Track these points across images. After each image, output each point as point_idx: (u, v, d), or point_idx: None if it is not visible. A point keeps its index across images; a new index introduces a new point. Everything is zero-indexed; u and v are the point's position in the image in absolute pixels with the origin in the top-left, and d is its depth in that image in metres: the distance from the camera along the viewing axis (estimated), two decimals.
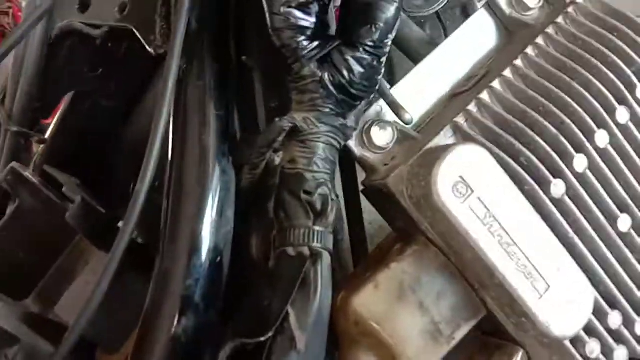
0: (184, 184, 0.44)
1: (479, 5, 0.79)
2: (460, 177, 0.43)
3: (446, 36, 0.78)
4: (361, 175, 0.56)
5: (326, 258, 0.42)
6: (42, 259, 0.60)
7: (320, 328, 0.41)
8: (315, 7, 0.43)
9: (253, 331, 0.39)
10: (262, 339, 0.38)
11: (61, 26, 0.60)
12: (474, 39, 0.57)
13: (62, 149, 0.67)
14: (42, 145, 0.67)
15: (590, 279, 0.46)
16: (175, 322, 0.41)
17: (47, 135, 0.67)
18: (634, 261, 0.49)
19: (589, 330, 0.48)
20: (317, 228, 0.42)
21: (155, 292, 0.42)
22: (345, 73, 0.43)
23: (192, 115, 0.45)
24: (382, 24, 0.43)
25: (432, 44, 0.59)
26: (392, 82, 0.55)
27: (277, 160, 0.45)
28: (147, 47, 0.50)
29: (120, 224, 0.57)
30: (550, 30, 0.52)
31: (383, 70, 0.45)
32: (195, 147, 0.44)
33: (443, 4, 0.79)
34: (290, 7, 0.42)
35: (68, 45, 0.63)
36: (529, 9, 0.56)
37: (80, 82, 0.65)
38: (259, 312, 0.41)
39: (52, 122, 0.69)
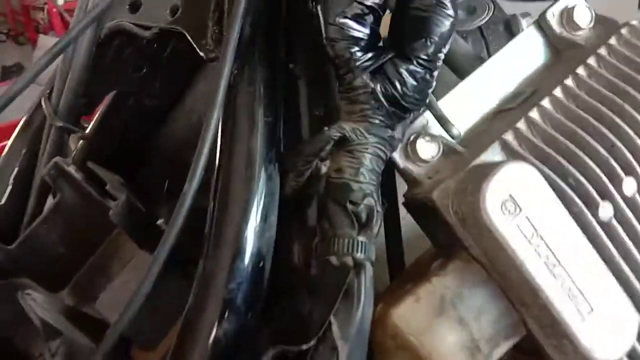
0: (231, 187, 0.44)
1: (523, 22, 0.79)
2: (510, 195, 0.42)
3: (488, 51, 0.78)
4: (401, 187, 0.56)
5: (369, 269, 0.42)
6: (79, 253, 0.61)
7: (362, 339, 0.40)
8: (370, 19, 0.43)
9: (294, 339, 0.39)
10: (305, 347, 0.38)
11: (110, 26, 0.61)
12: (521, 56, 0.57)
13: (102, 146, 0.68)
14: (81, 141, 0.69)
15: (635, 304, 0.46)
16: (216, 325, 0.41)
17: (87, 132, 0.69)
18: None
19: (633, 355, 0.47)
20: (361, 239, 0.42)
21: (197, 294, 0.42)
22: (398, 85, 0.43)
23: (242, 120, 0.46)
24: (437, 38, 0.43)
25: (478, 59, 0.59)
26: (433, 95, 0.55)
27: (324, 169, 0.45)
28: (198, 50, 0.51)
29: (159, 222, 0.58)
30: (602, 51, 0.52)
31: (435, 84, 0.45)
32: (243, 151, 0.45)
33: (486, 20, 0.79)
34: (345, 17, 0.42)
35: (115, 45, 0.64)
36: (580, 28, 0.55)
37: (125, 81, 0.67)
38: (301, 320, 0.41)
39: (93, 119, 0.70)
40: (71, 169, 0.58)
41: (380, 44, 0.47)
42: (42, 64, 0.51)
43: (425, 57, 0.43)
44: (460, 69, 0.60)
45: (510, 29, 0.78)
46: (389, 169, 0.54)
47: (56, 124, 0.62)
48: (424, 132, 0.51)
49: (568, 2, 0.56)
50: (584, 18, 0.55)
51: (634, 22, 0.53)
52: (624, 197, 0.47)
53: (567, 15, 0.56)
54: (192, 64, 0.70)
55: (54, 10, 4.62)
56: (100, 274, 0.61)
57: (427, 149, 0.50)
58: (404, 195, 0.52)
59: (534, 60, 0.57)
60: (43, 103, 0.63)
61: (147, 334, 0.51)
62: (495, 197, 0.42)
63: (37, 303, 0.49)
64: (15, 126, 0.70)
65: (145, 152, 0.73)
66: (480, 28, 0.78)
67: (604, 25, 0.56)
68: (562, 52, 0.57)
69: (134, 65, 0.67)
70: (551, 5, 0.57)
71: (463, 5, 0.84)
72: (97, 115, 0.69)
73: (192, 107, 0.73)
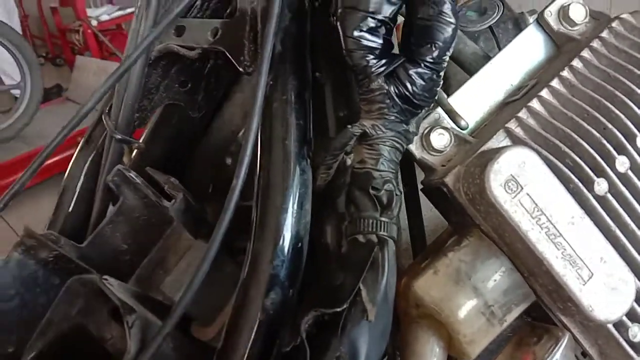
0: (271, 181, 0.52)
1: (530, 19, 0.85)
2: (511, 175, 0.49)
3: (499, 48, 0.84)
4: (419, 177, 0.62)
5: (391, 245, 0.49)
6: (140, 249, 0.70)
7: (387, 304, 0.47)
8: (382, 30, 0.50)
9: (330, 303, 0.46)
10: (339, 309, 0.45)
11: (159, 48, 0.69)
12: (524, 52, 0.63)
13: (155, 154, 0.77)
14: (136, 150, 0.78)
15: (632, 269, 0.51)
16: (264, 296, 0.48)
17: (141, 142, 0.78)
18: None
19: (632, 316, 0.52)
20: (383, 219, 0.49)
21: (248, 271, 0.50)
22: (409, 86, 0.50)
23: (277, 124, 0.53)
24: (440, 43, 0.50)
25: (485, 58, 0.65)
26: (447, 91, 0.62)
27: (349, 161, 0.52)
28: (237, 66, 0.59)
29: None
30: (595, 43, 0.57)
31: (442, 82, 0.52)
32: (279, 150, 0.52)
33: (496, 19, 0.85)
34: (361, 31, 0.49)
35: (163, 65, 0.73)
36: (576, 24, 0.61)
37: (172, 96, 0.75)
38: (334, 290, 0.48)
39: (145, 131, 0.79)
40: (132, 174, 0.67)
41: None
42: (106, 87, 0.60)
43: (431, 60, 0.50)
44: (469, 67, 0.66)
45: (518, 26, 0.84)
46: (409, 161, 0.61)
47: (116, 137, 0.70)
48: (436, 125, 0.57)
49: (564, 1, 0.62)
50: (579, 14, 0.61)
51: (624, 15, 0.58)
52: (617, 174, 0.52)
53: (563, 12, 0.61)
54: (228, 80, 0.79)
55: (89, 31, 4.81)
56: (159, 266, 0.69)
57: (440, 140, 0.57)
58: (421, 182, 0.59)
59: (536, 55, 0.63)
60: (104, 119, 0.72)
61: (204, 311, 0.59)
62: (498, 178, 0.48)
63: (114, 286, 0.57)
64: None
65: (191, 157, 0.82)
66: (491, 27, 0.84)
67: (599, 20, 0.61)
68: (561, 47, 0.62)
69: (180, 82, 0.75)
70: (549, 4, 0.63)
71: (475, 7, 0.90)
72: (148, 127, 0.78)
73: (230, 117, 0.81)
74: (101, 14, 5.08)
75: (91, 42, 4.84)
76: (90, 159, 0.76)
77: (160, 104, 0.76)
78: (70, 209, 0.77)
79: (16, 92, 3.97)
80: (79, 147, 0.78)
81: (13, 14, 4.41)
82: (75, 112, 0.60)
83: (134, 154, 0.78)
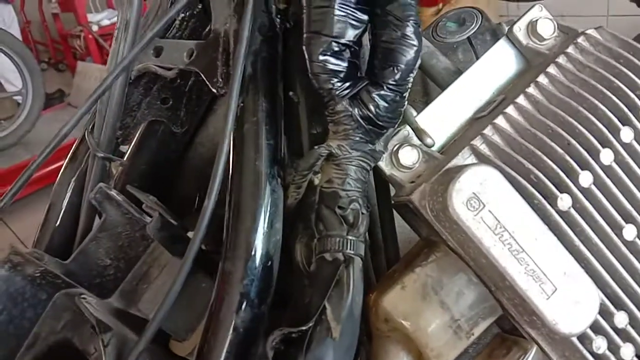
0: (241, 201, 0.53)
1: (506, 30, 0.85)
2: (473, 193, 0.50)
3: (477, 59, 0.84)
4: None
5: (358, 262, 0.50)
6: (124, 264, 0.71)
7: (353, 321, 0.49)
8: (347, 54, 0.52)
9: (296, 322, 0.48)
10: (304, 328, 0.47)
11: (139, 68, 0.71)
12: (495, 67, 0.64)
13: (139, 170, 0.79)
14: (120, 167, 0.79)
15: (596, 283, 0.52)
16: (235, 314, 0.50)
17: (125, 159, 0.79)
18: (639, 266, 0.54)
19: (596, 328, 0.53)
20: (350, 237, 0.51)
21: (218, 290, 0.51)
22: (372, 108, 0.51)
23: (248, 145, 0.55)
24: (403, 65, 0.51)
25: (457, 73, 0.66)
26: (428, 104, 0.63)
27: (316, 181, 0.54)
28: (210, 87, 0.60)
29: (189, 234, 0.68)
30: (560, 59, 0.58)
31: (406, 103, 0.53)
32: (250, 171, 0.54)
33: (474, 30, 0.86)
34: (326, 55, 0.51)
35: (144, 83, 0.75)
36: (544, 39, 0.62)
37: (154, 113, 0.77)
38: (302, 307, 0.50)
39: (129, 148, 0.81)
40: (114, 193, 0.69)
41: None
42: (86, 107, 0.62)
43: (393, 83, 0.51)
44: (441, 82, 0.67)
45: (496, 38, 0.84)
46: (382, 178, 0.63)
47: (99, 155, 0.72)
48: (405, 142, 0.59)
49: (533, 16, 0.63)
50: (547, 29, 0.62)
51: (589, 31, 0.59)
52: (581, 189, 0.53)
53: (531, 27, 0.62)
54: (211, 95, 0.80)
55: (90, 36, 4.85)
56: (143, 281, 0.71)
57: (408, 157, 0.58)
58: (392, 198, 0.60)
59: (507, 70, 0.64)
60: (87, 137, 0.74)
61: (181, 326, 0.60)
62: (460, 196, 0.49)
63: (91, 305, 0.59)
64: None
65: (176, 172, 0.83)
66: (469, 38, 0.85)
67: (567, 34, 0.62)
68: (531, 61, 0.63)
69: (162, 99, 0.77)
70: (518, 20, 0.64)
71: (454, 18, 0.92)
72: (132, 144, 0.79)
73: (214, 131, 0.83)
74: (102, 18, 5.11)
75: (92, 47, 4.88)
76: (75, 176, 0.78)
77: (142, 120, 0.77)
78: (57, 225, 0.79)
79: (18, 98, 4.01)
80: (64, 165, 0.80)
81: (12, 21, 4.45)
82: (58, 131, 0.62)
83: (118, 170, 0.79)
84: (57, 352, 0.65)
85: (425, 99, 0.83)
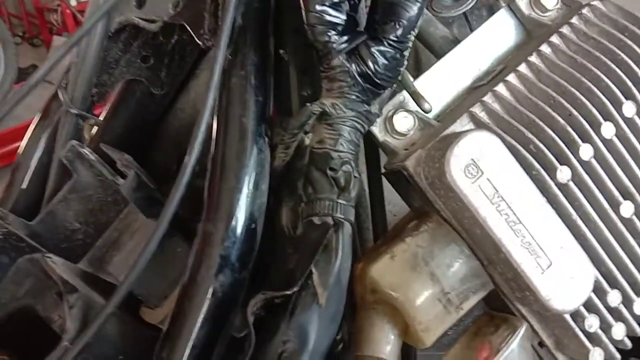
0: (225, 159, 0.50)
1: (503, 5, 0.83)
2: (472, 159, 0.47)
3: None
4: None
5: (347, 227, 0.47)
6: (94, 228, 0.67)
7: (340, 288, 0.46)
8: (346, 6, 0.48)
9: (280, 287, 0.45)
10: (289, 292, 0.44)
11: (119, 20, 0.67)
12: (494, 37, 0.61)
13: (114, 132, 0.74)
14: (95, 128, 0.75)
15: (591, 260, 0.50)
16: (214, 278, 0.46)
17: (101, 118, 0.75)
18: (635, 244, 0.53)
19: (589, 306, 0.52)
20: (340, 201, 0.48)
21: (196, 252, 0.48)
22: (371, 64, 0.48)
23: (234, 100, 0.51)
24: (405, 21, 0.48)
25: (454, 42, 0.64)
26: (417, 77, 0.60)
27: (307, 141, 0.50)
28: (196, 40, 0.56)
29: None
30: (564, 29, 0.56)
31: (406, 63, 0.50)
32: (235, 127, 0.50)
33: (470, 5, 0.83)
34: (324, 5, 0.47)
35: (124, 38, 0.70)
36: (547, 10, 0.60)
37: (133, 72, 0.72)
38: (285, 273, 0.47)
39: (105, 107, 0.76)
40: (86, 151, 0.64)
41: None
42: (58, 56, 0.57)
43: (394, 39, 0.48)
44: (438, 50, 0.64)
45: (493, 13, 0.82)
46: (373, 146, 0.60)
47: (71, 111, 0.68)
48: (401, 107, 0.56)
49: None
50: (550, 0, 0.60)
51: (594, 2, 0.57)
52: (581, 162, 0.51)
53: None
54: (194, 57, 0.76)
55: (67, 11, 4.70)
56: (114, 247, 0.67)
57: (403, 123, 0.55)
58: (384, 166, 0.57)
59: (506, 40, 0.62)
60: (59, 92, 0.69)
61: (154, 292, 0.57)
62: (458, 162, 0.47)
63: (57, 265, 0.55)
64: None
65: (154, 137, 0.79)
66: (465, 14, 0.83)
67: (570, 6, 0.60)
68: (532, 32, 0.61)
69: (142, 57, 0.73)
70: None
71: None
72: (109, 103, 0.75)
73: (196, 96, 0.79)
74: None
75: (70, 22, 4.73)
76: (46, 134, 0.73)
77: (121, 79, 0.73)
78: (24, 184, 0.74)
79: None
80: (34, 122, 0.75)
81: None
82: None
83: (93, 130, 0.75)
84: (18, 319, 0.61)
85: (416, 73, 0.80)
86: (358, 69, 0.48)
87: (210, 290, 0.46)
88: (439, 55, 0.65)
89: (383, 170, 0.58)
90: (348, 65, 0.48)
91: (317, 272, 0.44)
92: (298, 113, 0.50)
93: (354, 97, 0.49)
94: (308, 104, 0.49)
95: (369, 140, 0.58)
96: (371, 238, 0.61)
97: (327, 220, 0.47)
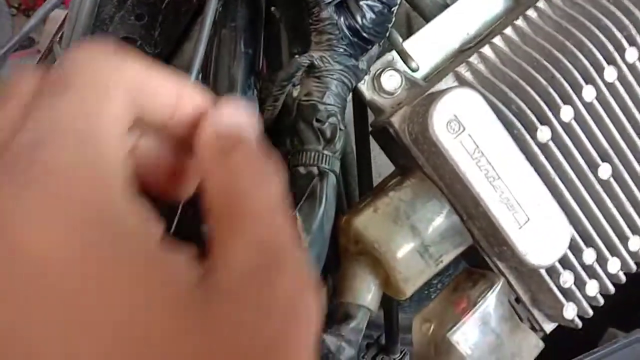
0: None
1: None
2: (454, 115, 0.49)
3: None
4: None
5: (332, 178, 0.49)
6: None
7: (323, 234, 0.47)
8: None
9: None
10: None
11: None
12: (483, 2, 0.62)
13: None
14: None
15: (568, 218, 0.52)
16: None
17: None
18: (611, 206, 0.54)
19: (564, 263, 0.53)
20: (326, 152, 0.49)
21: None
22: (359, 18, 0.49)
23: (224, 51, 0.52)
24: None
25: (444, 7, 0.64)
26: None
27: (295, 93, 0.51)
28: None
29: None
30: None
31: (394, 19, 0.51)
32: (224, 78, 0.51)
33: None
34: None
35: None
36: None
37: (127, 29, 0.73)
38: None
39: None
40: None
41: None
42: (48, 7, 0.58)
43: None
44: (428, 14, 0.65)
45: None
46: (362, 108, 0.61)
47: None
48: (389, 66, 0.57)
49: None
50: None
51: None
52: (561, 123, 0.53)
53: None
54: (188, 17, 0.76)
55: None
56: None
57: (391, 82, 0.56)
58: (370, 124, 0.59)
59: (495, 6, 0.62)
60: (54, 47, 0.70)
61: None
62: (441, 117, 0.48)
63: None
64: None
65: None
66: None
67: None
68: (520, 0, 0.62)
69: (136, 14, 0.73)
70: None
71: None
72: None
73: (189, 58, 0.79)
74: None
75: None
76: None
77: (114, 36, 0.73)
78: None
79: None
80: None
81: None
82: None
83: None
84: None
85: (407, 36, 0.81)
86: (346, 22, 0.49)
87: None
88: (428, 19, 0.66)
89: (370, 129, 0.59)
90: (336, 17, 0.49)
91: (300, 218, 0.46)
92: (286, 65, 0.51)
93: (341, 50, 0.50)
94: (297, 57, 0.50)
95: (359, 100, 0.59)
96: (357, 195, 0.62)
97: (312, 170, 0.48)
